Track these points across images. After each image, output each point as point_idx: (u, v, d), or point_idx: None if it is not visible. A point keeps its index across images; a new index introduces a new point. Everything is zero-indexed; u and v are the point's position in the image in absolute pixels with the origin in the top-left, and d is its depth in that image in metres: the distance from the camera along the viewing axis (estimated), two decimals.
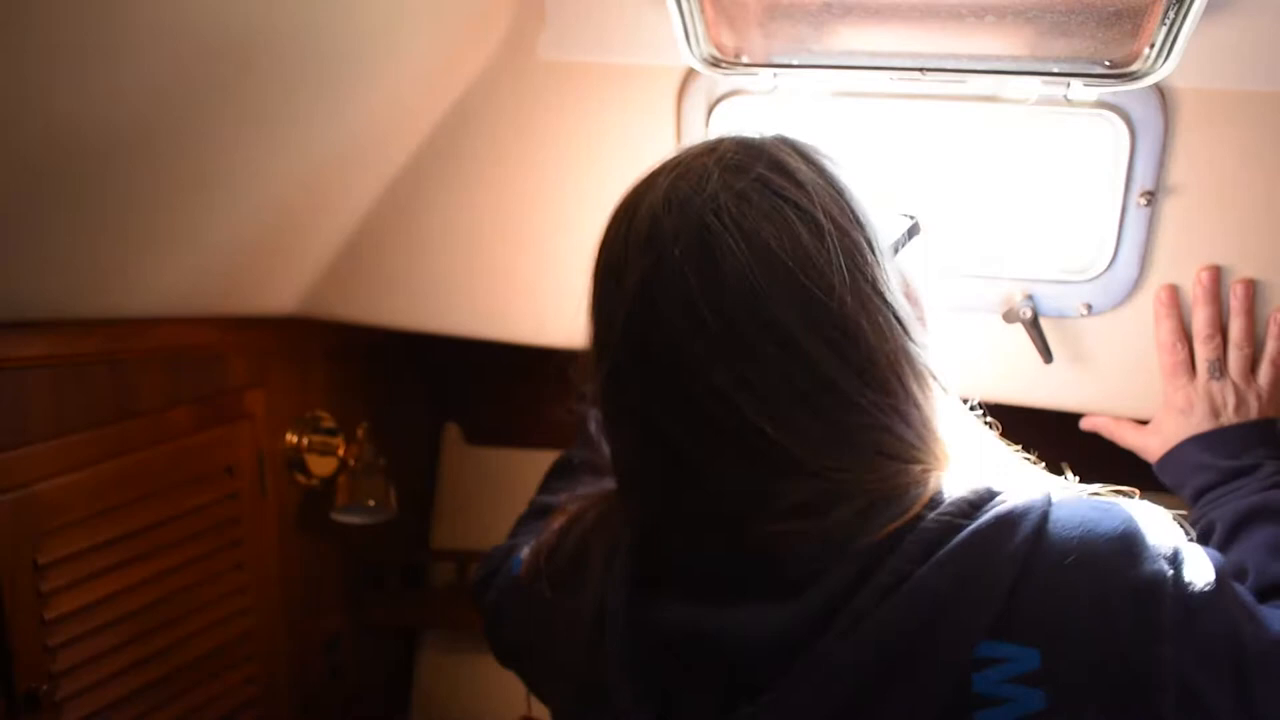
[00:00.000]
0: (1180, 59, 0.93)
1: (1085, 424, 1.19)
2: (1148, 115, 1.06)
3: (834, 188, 0.70)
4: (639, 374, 0.69)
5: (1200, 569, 0.66)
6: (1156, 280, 1.12)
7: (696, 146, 0.73)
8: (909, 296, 0.74)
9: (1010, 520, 0.64)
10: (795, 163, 0.70)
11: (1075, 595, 0.62)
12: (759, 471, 0.67)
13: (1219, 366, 1.07)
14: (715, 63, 1.08)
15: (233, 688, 1.46)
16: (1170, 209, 1.09)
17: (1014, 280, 1.16)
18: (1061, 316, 1.15)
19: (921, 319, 0.75)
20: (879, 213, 0.73)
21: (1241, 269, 1.08)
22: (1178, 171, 1.08)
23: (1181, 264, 1.11)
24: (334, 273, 1.41)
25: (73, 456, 1.17)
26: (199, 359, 1.39)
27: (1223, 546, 0.95)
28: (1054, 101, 1.07)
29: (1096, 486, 0.75)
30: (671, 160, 0.73)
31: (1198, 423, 1.07)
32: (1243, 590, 0.70)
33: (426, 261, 1.38)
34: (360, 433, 1.64)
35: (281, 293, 1.42)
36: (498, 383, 1.99)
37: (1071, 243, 1.16)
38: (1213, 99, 1.05)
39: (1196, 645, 0.63)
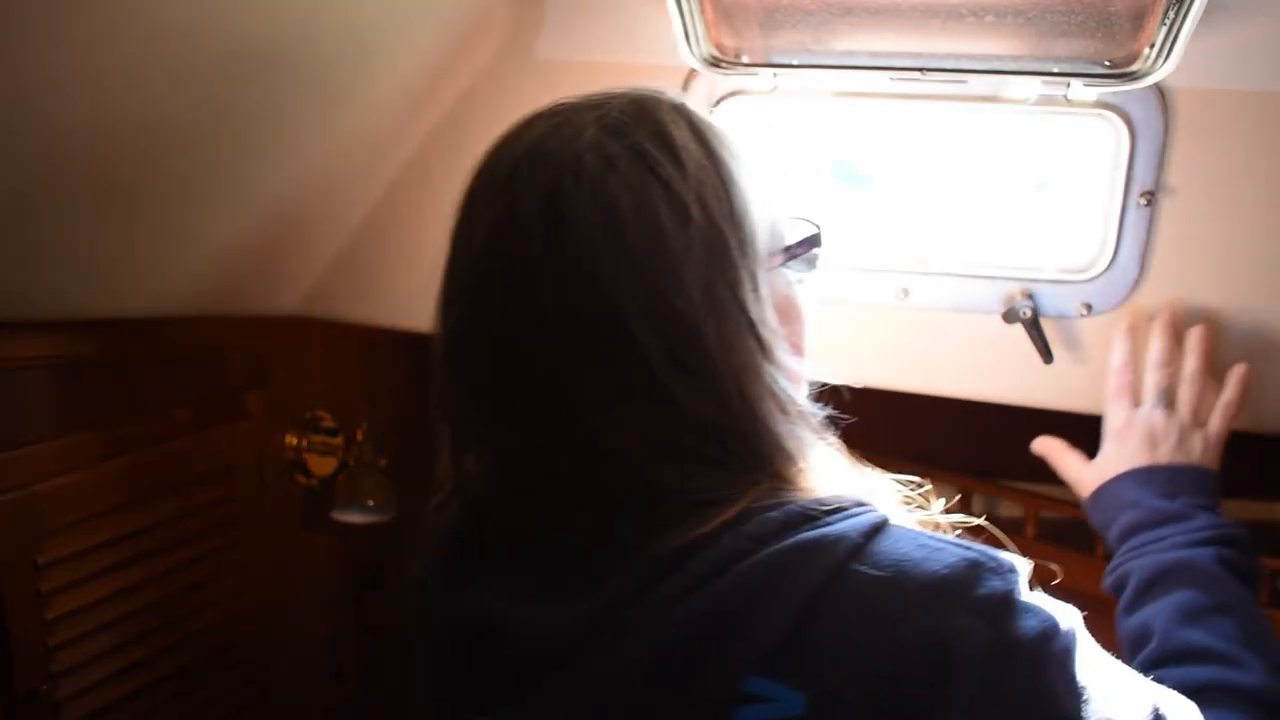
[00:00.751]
0: (1180, 59, 0.93)
1: (1035, 446, 1.13)
2: (1147, 115, 1.06)
3: (719, 175, 0.63)
4: (476, 334, 0.64)
5: (1030, 633, 0.57)
6: (1156, 280, 1.12)
7: (592, 96, 0.67)
8: (783, 312, 0.68)
9: (811, 549, 0.57)
10: (683, 138, 0.63)
11: (862, 642, 0.55)
12: (574, 458, 0.62)
13: (1167, 397, 1.02)
14: (715, 63, 1.08)
15: (233, 688, 1.46)
16: (1170, 209, 1.09)
17: (1014, 280, 1.16)
18: (1061, 316, 1.15)
19: (794, 342, 0.69)
20: (771, 216, 0.68)
21: (1240, 269, 1.08)
22: (1177, 172, 1.08)
23: (1181, 264, 1.11)
24: (334, 273, 1.41)
25: (73, 456, 1.17)
26: (199, 359, 1.39)
27: (1134, 602, 0.89)
28: (1054, 101, 1.07)
29: (958, 517, 0.70)
30: (558, 105, 0.68)
31: (1132, 452, 1.00)
32: (1083, 665, 0.59)
33: (426, 262, 1.37)
34: (360, 433, 1.63)
35: (281, 293, 1.42)
36: None
37: (1071, 243, 1.16)
38: (1212, 99, 1.05)
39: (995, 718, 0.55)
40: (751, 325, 0.62)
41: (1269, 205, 1.06)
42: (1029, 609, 0.58)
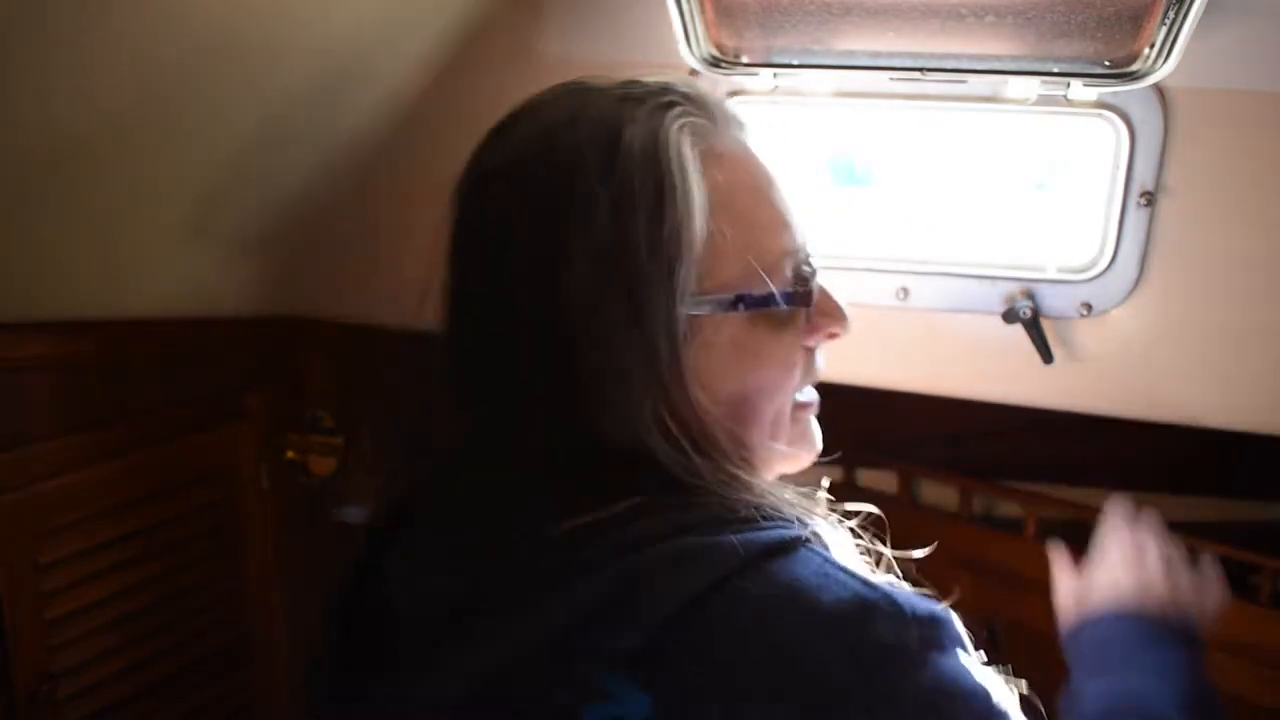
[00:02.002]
0: (1180, 59, 0.93)
1: (1050, 552, 1.04)
2: (1147, 115, 1.06)
3: (658, 194, 0.60)
4: (441, 320, 0.70)
5: (920, 688, 0.53)
6: (1156, 280, 1.12)
7: (593, 83, 0.66)
8: (725, 357, 0.64)
9: (695, 556, 0.55)
10: (635, 148, 0.61)
11: (728, 660, 0.53)
12: (486, 448, 0.64)
13: (1173, 560, 0.94)
14: (715, 63, 1.08)
15: (234, 689, 1.46)
16: (1169, 209, 1.09)
17: (1014, 280, 1.16)
18: (1061, 317, 1.15)
19: (736, 391, 0.65)
20: (723, 254, 0.63)
21: (1240, 268, 1.08)
22: (1177, 171, 1.08)
23: (1181, 264, 1.11)
24: (334, 273, 1.41)
25: (73, 456, 1.17)
26: (199, 359, 1.39)
27: None
28: (1054, 101, 1.07)
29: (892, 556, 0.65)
30: (537, 97, 0.67)
31: (1123, 588, 0.92)
32: None
33: (427, 261, 1.37)
34: (360, 433, 1.63)
35: (281, 293, 1.42)
36: None
37: (1071, 243, 1.16)
38: (1212, 99, 1.05)
39: None
40: (648, 352, 0.60)
41: (1268, 205, 1.06)
42: (921, 663, 0.54)
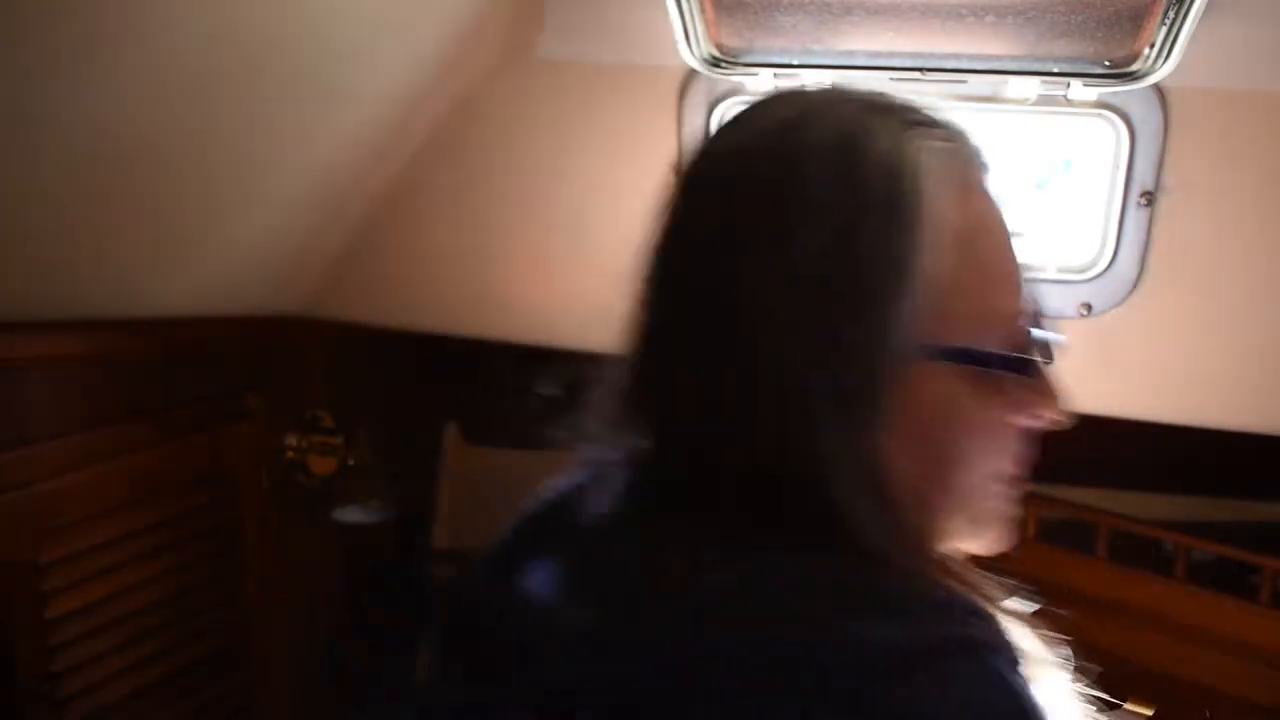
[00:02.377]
0: (1180, 59, 0.93)
1: None
2: (1147, 115, 1.06)
3: (893, 213, 0.53)
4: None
5: None
6: (1156, 280, 1.12)
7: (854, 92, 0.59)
8: (931, 415, 0.56)
9: (829, 646, 0.46)
10: (876, 158, 0.54)
11: None
12: (635, 454, 0.59)
13: None
14: (715, 63, 1.08)
15: (233, 689, 1.46)
16: (1169, 209, 1.09)
17: None
18: (1061, 317, 1.15)
19: (935, 454, 0.57)
20: (957, 298, 0.56)
21: (1240, 268, 1.08)
22: (1177, 171, 1.08)
23: (1181, 264, 1.11)
24: (334, 273, 1.41)
25: (73, 456, 1.17)
26: (199, 359, 1.39)
27: None
28: (1054, 101, 1.07)
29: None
30: (773, 93, 0.62)
31: None
32: None
33: (427, 262, 1.38)
34: (360, 433, 1.63)
35: (281, 293, 1.42)
36: (498, 383, 1.99)
37: (1071, 242, 1.16)
38: (1212, 98, 1.05)
39: None
40: (844, 380, 0.53)
41: (1268, 204, 1.06)
42: None
